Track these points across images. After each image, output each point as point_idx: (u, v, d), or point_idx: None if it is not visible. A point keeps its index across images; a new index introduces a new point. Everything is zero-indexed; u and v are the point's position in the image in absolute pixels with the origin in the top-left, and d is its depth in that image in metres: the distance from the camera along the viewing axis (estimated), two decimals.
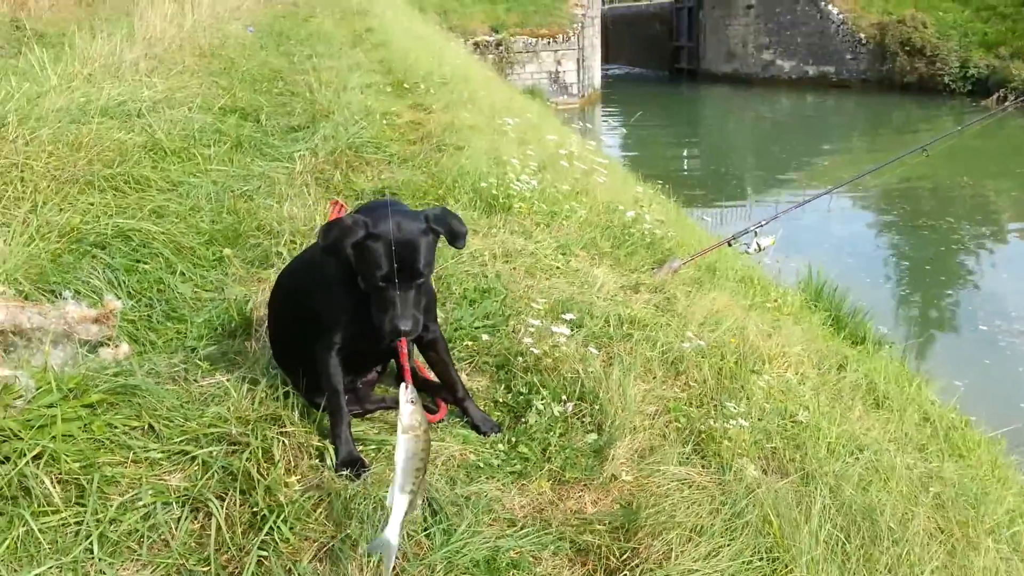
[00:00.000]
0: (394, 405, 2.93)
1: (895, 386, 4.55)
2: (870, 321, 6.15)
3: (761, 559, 2.27)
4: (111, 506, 2.24)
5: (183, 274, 3.79)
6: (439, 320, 2.94)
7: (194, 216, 4.39)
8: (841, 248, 10.11)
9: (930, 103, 22.79)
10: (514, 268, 4.28)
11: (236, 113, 6.25)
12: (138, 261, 3.80)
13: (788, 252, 7.59)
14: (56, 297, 3.21)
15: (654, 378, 3.36)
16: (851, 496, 2.73)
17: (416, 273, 2.43)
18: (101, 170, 4.71)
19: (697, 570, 2.17)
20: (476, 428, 2.86)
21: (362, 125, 6.13)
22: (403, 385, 2.24)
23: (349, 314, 2.58)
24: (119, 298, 3.32)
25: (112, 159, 4.91)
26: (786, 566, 2.25)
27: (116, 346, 3.01)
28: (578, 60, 26.12)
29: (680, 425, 3.00)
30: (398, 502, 2.02)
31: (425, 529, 2.29)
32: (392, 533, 1.97)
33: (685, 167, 15.67)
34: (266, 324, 3.09)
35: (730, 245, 5.46)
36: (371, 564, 2.14)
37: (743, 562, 2.23)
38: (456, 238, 2.56)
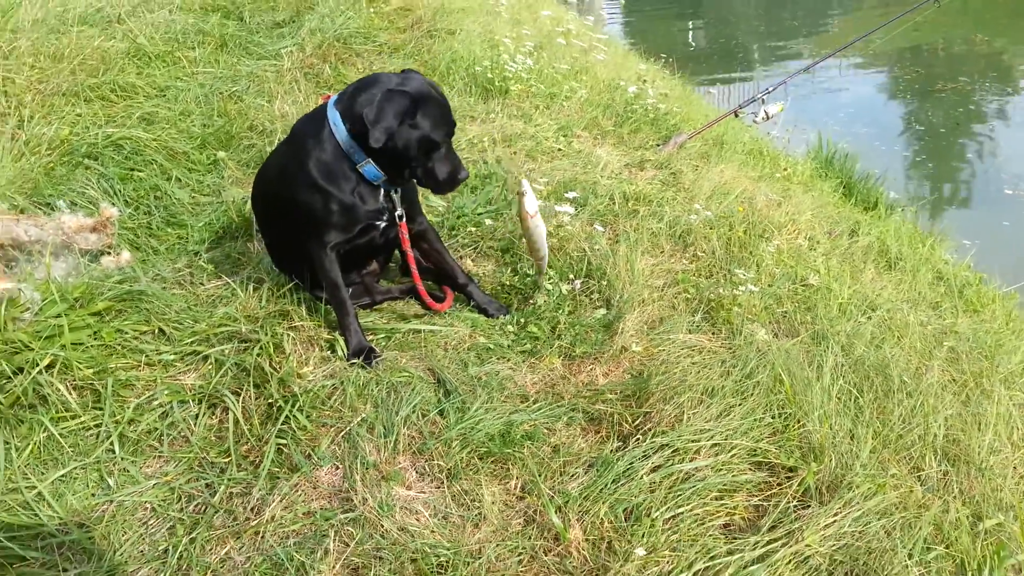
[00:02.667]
0: (400, 296, 2.93)
1: (908, 247, 4.49)
2: (882, 187, 6.02)
3: (773, 416, 2.28)
4: (128, 408, 2.27)
5: (179, 179, 3.73)
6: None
7: (185, 121, 4.28)
8: (853, 117, 9.81)
9: None
10: (514, 152, 4.18)
11: (218, 12, 6.00)
12: (132, 169, 3.74)
13: (798, 123, 7.37)
14: (52, 209, 3.17)
15: (662, 252, 3.32)
16: (864, 353, 2.72)
17: (454, 123, 2.51)
18: (85, 80, 4.58)
19: (709, 429, 2.19)
20: (484, 311, 2.85)
21: (349, 15, 5.88)
22: (523, 181, 2.62)
23: (338, 208, 2.50)
24: (115, 206, 3.29)
25: (96, 68, 4.77)
26: (798, 421, 2.26)
27: (117, 254, 2.99)
28: None
29: (689, 295, 2.98)
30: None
31: (439, 409, 2.31)
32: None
33: (691, 40, 15.09)
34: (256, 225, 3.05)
35: (737, 116, 5.29)
36: (388, 443, 2.17)
37: (755, 419, 2.25)
38: None
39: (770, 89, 5.20)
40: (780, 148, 6.43)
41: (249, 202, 3.42)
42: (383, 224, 2.61)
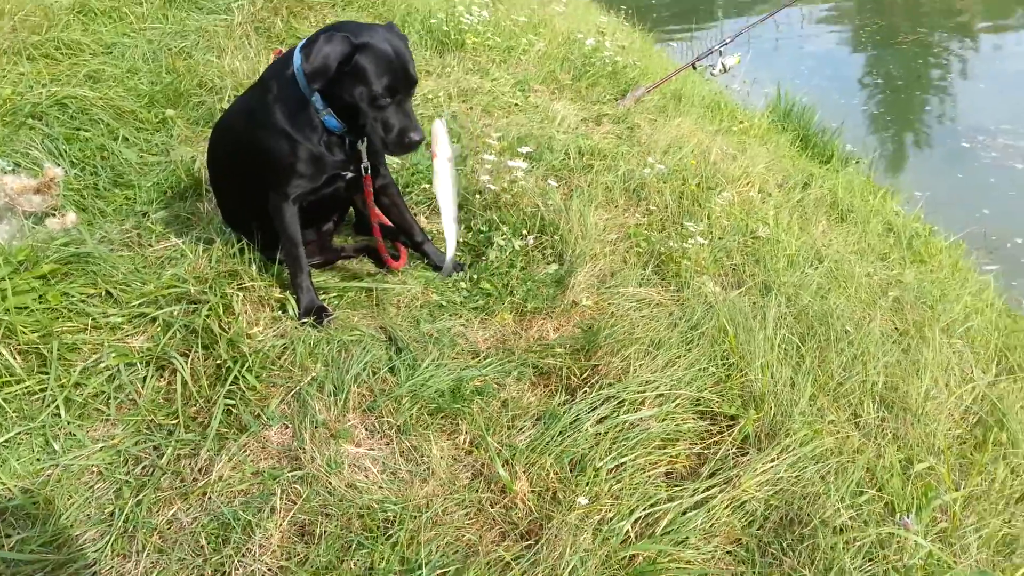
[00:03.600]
0: (354, 254, 2.93)
1: (860, 199, 4.56)
2: (838, 139, 6.07)
3: (717, 366, 2.34)
4: (74, 371, 2.25)
5: (126, 139, 3.65)
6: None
7: (132, 78, 4.17)
8: (813, 69, 9.83)
9: None
10: (470, 108, 4.15)
11: None
12: (78, 129, 3.65)
13: (758, 77, 7.38)
14: None
15: (615, 206, 3.34)
16: (808, 303, 2.78)
17: (414, 80, 2.36)
18: (28, 37, 4.43)
19: (654, 380, 2.24)
20: (438, 269, 2.85)
21: None
22: (438, 120, 2.50)
23: (305, 156, 2.44)
24: (60, 166, 3.21)
25: (39, 25, 4.61)
26: (741, 371, 2.32)
27: (63, 215, 2.93)
28: None
29: (640, 249, 3.01)
30: (450, 229, 2.58)
31: (390, 366, 2.33)
32: (450, 254, 2.67)
33: None
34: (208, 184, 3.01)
35: (695, 68, 5.27)
36: (338, 402, 2.19)
37: (699, 369, 2.30)
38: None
39: (727, 40, 5.18)
40: (739, 101, 6.45)
41: (199, 160, 3.38)
42: (349, 175, 2.56)
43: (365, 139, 2.48)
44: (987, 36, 11.09)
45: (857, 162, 5.68)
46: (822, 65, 10.11)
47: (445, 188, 2.52)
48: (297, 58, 2.36)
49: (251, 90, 2.66)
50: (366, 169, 2.53)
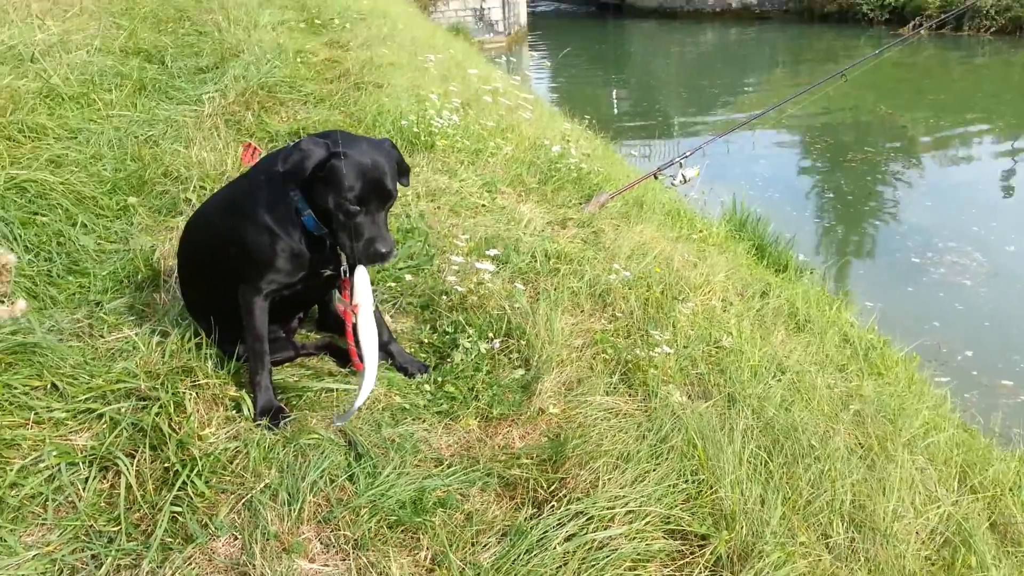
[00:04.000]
0: (315, 351, 2.86)
1: (816, 310, 4.65)
2: (792, 250, 6.26)
3: (687, 481, 2.28)
4: (11, 470, 2.11)
5: (85, 225, 3.57)
6: None
7: (95, 164, 4.12)
8: (766, 182, 10.25)
9: (850, 32, 23.15)
10: (438, 207, 4.18)
11: (139, 55, 5.87)
12: (35, 213, 3.56)
13: (714, 186, 7.64)
14: None
15: (581, 311, 3.34)
16: (774, 416, 2.77)
17: (389, 194, 2.33)
18: None
19: (623, 496, 2.17)
20: (403, 371, 2.79)
21: (275, 64, 5.84)
22: (360, 268, 2.36)
23: (285, 252, 2.41)
24: (14, 252, 3.11)
25: (4, 107, 4.56)
26: (711, 487, 2.27)
27: (12, 303, 2.82)
28: None
29: (607, 356, 3.00)
30: (366, 382, 2.35)
31: (349, 474, 2.23)
32: (359, 402, 2.35)
33: (614, 103, 15.58)
34: (176, 272, 2.94)
35: (656, 177, 5.44)
36: (292, 512, 2.08)
37: (668, 485, 2.24)
38: (404, 173, 2.49)
39: (688, 153, 5.37)
40: (697, 210, 6.63)
41: (159, 250, 3.31)
42: (327, 274, 2.51)
43: None
44: (928, 156, 11.73)
45: (811, 272, 5.83)
46: (775, 179, 10.55)
47: (369, 338, 2.39)
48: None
49: (238, 181, 2.65)
50: (345, 272, 2.48)
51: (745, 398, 2.85)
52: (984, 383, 5.29)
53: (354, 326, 2.42)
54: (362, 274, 2.39)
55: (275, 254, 2.40)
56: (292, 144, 2.38)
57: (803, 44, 23.65)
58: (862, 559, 2.21)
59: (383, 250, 2.31)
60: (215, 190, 3.92)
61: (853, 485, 2.53)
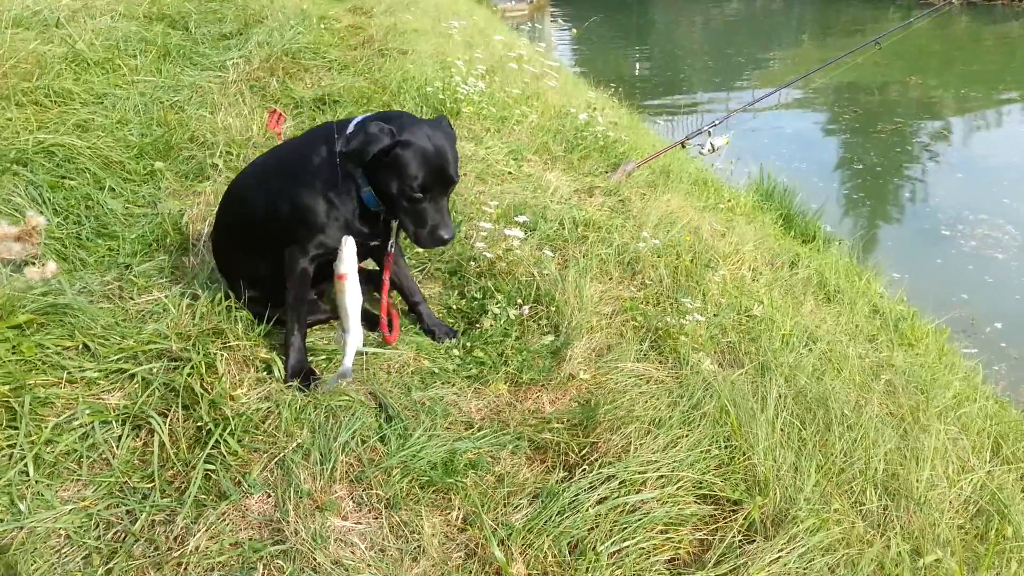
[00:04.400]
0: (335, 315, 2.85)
1: (845, 281, 4.59)
2: (820, 221, 6.17)
3: (719, 448, 2.26)
4: (46, 427, 2.13)
5: (113, 189, 3.57)
6: None
7: (122, 129, 4.12)
8: (793, 153, 10.07)
9: (878, 3, 22.63)
10: (465, 174, 4.13)
11: (163, 21, 5.84)
12: (63, 177, 3.57)
13: (741, 156, 7.53)
14: None
15: (610, 279, 3.31)
16: (806, 385, 2.74)
17: (451, 180, 2.38)
18: (19, 84, 4.38)
19: (655, 461, 2.16)
20: (431, 334, 2.78)
21: (299, 30, 5.79)
22: (344, 239, 2.39)
23: (339, 223, 2.43)
24: (43, 215, 3.12)
25: (30, 72, 4.57)
26: (744, 454, 2.25)
27: (42, 265, 2.83)
28: None
29: (637, 323, 2.97)
30: (351, 342, 2.41)
31: (380, 435, 2.23)
32: (348, 362, 2.41)
33: (636, 72, 15.37)
34: (209, 235, 2.94)
35: (683, 147, 5.36)
36: (325, 471, 2.08)
37: (701, 451, 2.22)
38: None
39: (716, 122, 5.29)
40: (724, 179, 6.55)
41: (186, 214, 3.31)
42: (373, 244, 2.56)
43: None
44: (958, 127, 11.47)
45: (840, 243, 5.75)
46: (802, 150, 10.37)
47: (354, 304, 2.43)
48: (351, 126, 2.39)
49: (293, 145, 2.63)
50: (391, 246, 2.55)
51: (777, 367, 2.81)
52: (1013, 355, 5.21)
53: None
54: (349, 245, 2.41)
55: (329, 221, 2.42)
56: (356, 124, 2.38)
57: (830, 15, 23.15)
58: (896, 526, 2.18)
59: (445, 236, 2.36)
60: (241, 156, 3.92)
61: (886, 454, 2.50)
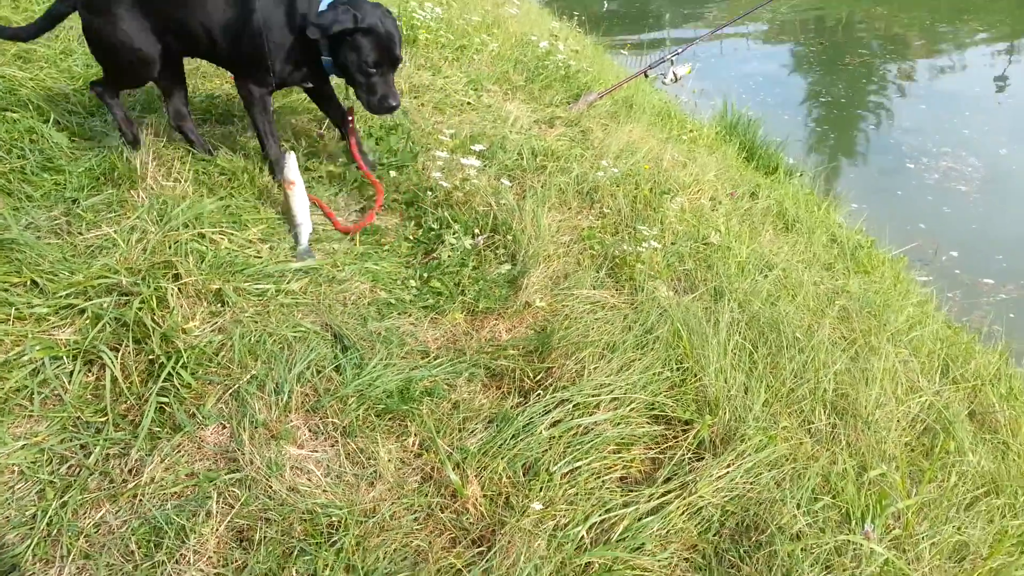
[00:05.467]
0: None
1: (805, 211, 4.63)
2: (783, 152, 6.18)
3: (671, 370, 2.30)
4: None
5: (58, 122, 3.44)
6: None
7: (65, 60, 3.96)
8: (760, 86, 10.01)
9: None
10: (422, 104, 4.06)
11: None
12: (5, 110, 3.43)
13: (705, 89, 7.48)
14: None
15: (569, 208, 3.30)
16: (759, 310, 2.78)
17: (399, 59, 2.87)
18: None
19: (609, 384, 2.19)
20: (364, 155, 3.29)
21: None
22: (290, 152, 2.85)
23: (292, 58, 2.87)
24: None
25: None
26: (695, 375, 2.29)
27: None
28: None
29: (594, 252, 2.97)
30: (304, 230, 2.78)
31: (336, 365, 2.23)
32: (304, 242, 2.76)
33: (605, 6, 15.09)
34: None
35: (647, 76, 5.29)
36: (280, 401, 2.08)
37: (653, 374, 2.26)
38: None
39: (679, 51, 5.22)
40: (687, 112, 6.51)
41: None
42: (309, 86, 3.13)
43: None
44: (924, 61, 11.48)
45: (801, 175, 5.78)
46: (768, 82, 10.32)
47: (302, 204, 2.80)
48: (324, 5, 2.78)
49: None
50: (350, 109, 3.15)
51: (732, 292, 2.85)
52: (966, 282, 5.33)
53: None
54: (292, 160, 2.84)
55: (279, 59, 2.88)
56: (328, 4, 2.77)
57: None
58: (843, 443, 2.25)
59: (393, 103, 2.86)
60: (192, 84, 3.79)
61: (836, 375, 2.56)
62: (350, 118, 3.19)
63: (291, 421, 2.05)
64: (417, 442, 2.06)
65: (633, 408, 2.16)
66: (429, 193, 3.10)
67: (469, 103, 4.24)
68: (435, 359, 2.34)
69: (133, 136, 3.18)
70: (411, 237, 2.96)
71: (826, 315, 3.08)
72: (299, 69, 2.93)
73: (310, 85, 3.10)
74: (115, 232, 2.64)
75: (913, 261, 5.15)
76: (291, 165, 2.85)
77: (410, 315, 2.55)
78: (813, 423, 2.33)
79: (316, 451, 2.00)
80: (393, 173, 3.27)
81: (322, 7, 2.79)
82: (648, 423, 2.15)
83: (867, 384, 2.60)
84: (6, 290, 2.35)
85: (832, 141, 8.59)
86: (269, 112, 3.04)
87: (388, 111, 2.89)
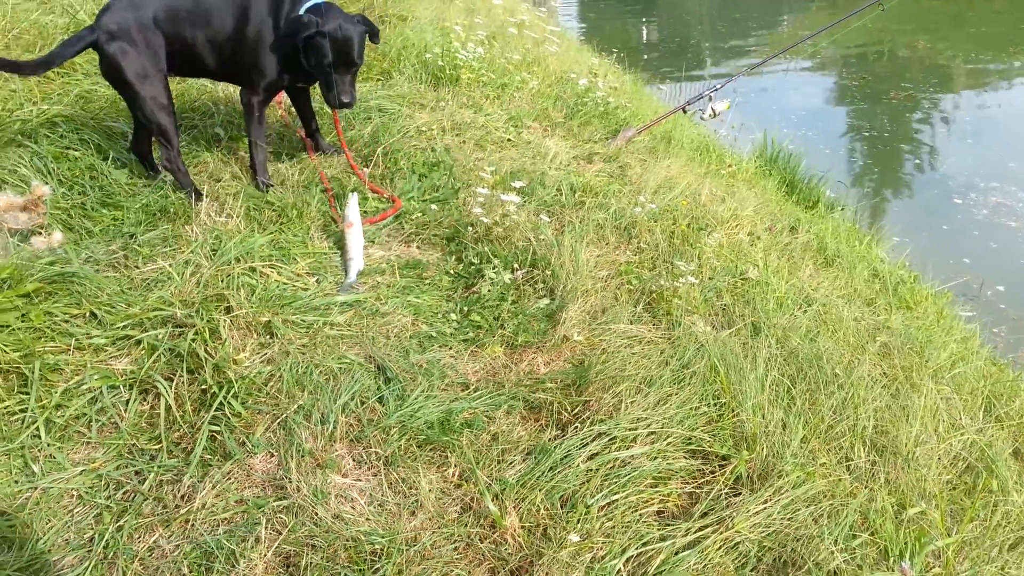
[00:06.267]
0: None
1: (846, 245, 4.60)
2: (824, 186, 6.15)
3: (708, 405, 2.32)
4: (56, 393, 2.21)
5: (116, 160, 3.61)
6: None
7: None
8: (800, 119, 9.96)
9: None
10: (463, 141, 4.17)
11: None
12: (67, 148, 3.61)
13: (745, 123, 7.49)
14: None
15: (607, 243, 3.35)
16: (798, 345, 2.78)
17: (354, 63, 3.21)
18: (21, 54, 4.42)
19: (646, 418, 2.22)
20: (322, 151, 3.78)
21: None
22: (351, 194, 3.11)
23: (282, 68, 3.28)
24: (48, 185, 3.17)
25: (32, 43, 4.61)
26: (732, 411, 2.30)
27: (49, 234, 2.89)
28: None
29: (632, 286, 3.01)
30: (354, 265, 2.93)
31: (379, 396, 2.29)
32: (352, 276, 2.89)
33: (643, 38, 15.22)
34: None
35: (685, 112, 5.34)
36: (325, 431, 2.15)
37: (690, 408, 2.28)
38: (375, 34, 3.32)
39: (718, 86, 5.27)
40: (726, 146, 6.53)
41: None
42: (300, 86, 3.56)
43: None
44: (970, 93, 11.34)
45: (843, 209, 5.75)
46: (808, 116, 10.27)
47: (357, 244, 2.98)
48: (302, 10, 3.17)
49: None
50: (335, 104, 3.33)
51: (769, 328, 2.86)
52: (1012, 317, 5.22)
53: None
54: (353, 201, 3.07)
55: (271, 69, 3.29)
56: (305, 9, 3.15)
57: None
58: (882, 480, 2.24)
59: (345, 100, 3.23)
60: (242, 125, 3.95)
61: (876, 412, 2.55)
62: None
63: (336, 450, 2.12)
64: (457, 472, 2.11)
65: (670, 442, 2.18)
66: (470, 228, 3.18)
67: (509, 140, 4.33)
68: (475, 391, 2.40)
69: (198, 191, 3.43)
70: (452, 271, 3.03)
71: (866, 351, 3.07)
72: (290, 71, 3.29)
73: (301, 85, 3.50)
74: (170, 266, 2.76)
75: (958, 296, 5.08)
76: (352, 206, 3.06)
77: (451, 348, 2.61)
78: (852, 459, 2.32)
79: (360, 480, 2.05)
80: (435, 207, 3.36)
81: (309, 5, 3.17)
82: (685, 457, 2.17)
83: (908, 421, 2.58)
84: (67, 321, 2.47)
85: (875, 175, 8.51)
86: (263, 123, 3.41)
87: (341, 107, 3.26)
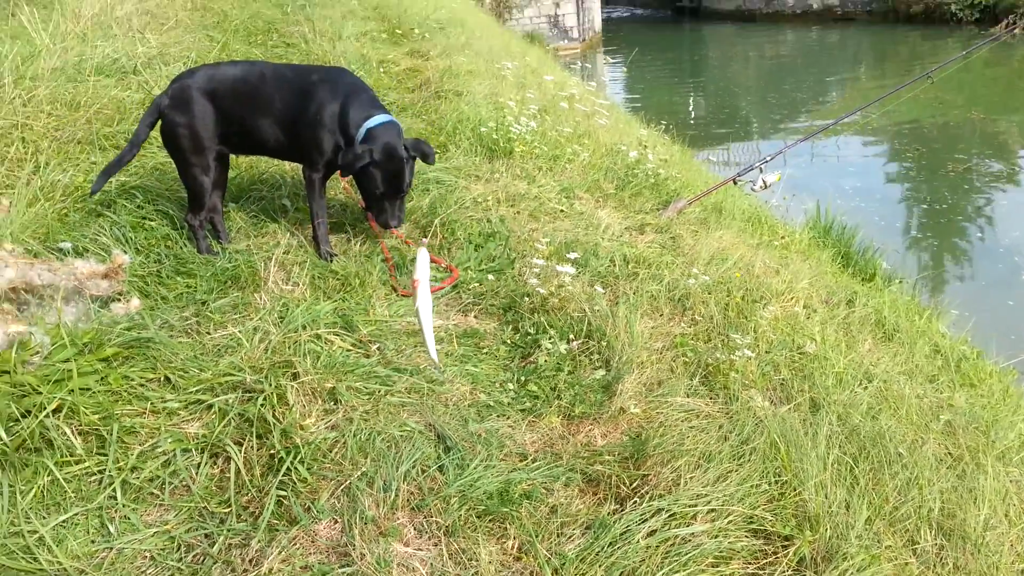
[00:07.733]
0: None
1: (905, 320, 4.55)
2: (880, 258, 6.10)
3: (769, 483, 2.30)
4: (132, 454, 2.30)
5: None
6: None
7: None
8: (853, 191, 9.92)
9: (937, 34, 22.29)
10: (518, 212, 4.27)
11: None
12: (144, 218, 3.81)
13: (796, 194, 7.50)
14: (64, 255, 3.23)
15: (661, 315, 3.37)
16: (860, 423, 2.75)
17: (401, 189, 3.48)
18: (101, 128, 4.70)
19: (706, 494, 2.21)
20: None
21: (359, 74, 6.05)
22: (422, 248, 3.11)
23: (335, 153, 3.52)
24: (127, 253, 3.34)
25: (111, 117, 4.91)
26: (794, 489, 2.28)
27: (127, 300, 3.03)
28: (577, 2, 25.58)
29: (687, 359, 3.03)
30: (430, 339, 2.77)
31: (439, 465, 2.33)
32: (433, 354, 2.77)
33: (691, 109, 15.45)
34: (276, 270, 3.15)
35: (736, 183, 5.40)
36: (388, 498, 2.19)
37: (751, 485, 2.27)
38: (428, 157, 3.55)
39: (769, 158, 5.32)
40: (778, 216, 6.54)
41: (257, 254, 3.50)
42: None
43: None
44: None
45: (901, 282, 5.68)
46: (862, 187, 10.24)
47: (425, 307, 2.86)
48: (360, 133, 3.45)
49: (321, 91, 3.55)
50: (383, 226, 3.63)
51: (829, 404, 2.83)
52: None
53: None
54: (423, 257, 3.04)
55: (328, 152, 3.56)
56: (364, 132, 3.44)
57: (888, 46, 22.91)
58: (951, 566, 2.18)
59: (392, 223, 3.53)
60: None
61: (942, 493, 2.50)
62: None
63: (398, 518, 2.15)
64: (516, 545, 2.12)
65: (731, 520, 2.16)
66: (526, 298, 3.24)
67: (562, 210, 4.43)
68: (533, 462, 2.42)
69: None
70: (508, 341, 3.08)
71: (930, 430, 3.02)
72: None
73: None
74: (240, 332, 2.86)
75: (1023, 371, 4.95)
76: (421, 261, 3.02)
77: (508, 417, 2.65)
78: (918, 543, 2.27)
79: (421, 549, 2.08)
80: (491, 277, 3.44)
81: (371, 124, 3.43)
82: (747, 536, 2.15)
83: (975, 504, 2.52)
84: (143, 385, 2.58)
85: (933, 247, 8.39)
86: (323, 196, 3.64)
87: (388, 227, 3.58)
